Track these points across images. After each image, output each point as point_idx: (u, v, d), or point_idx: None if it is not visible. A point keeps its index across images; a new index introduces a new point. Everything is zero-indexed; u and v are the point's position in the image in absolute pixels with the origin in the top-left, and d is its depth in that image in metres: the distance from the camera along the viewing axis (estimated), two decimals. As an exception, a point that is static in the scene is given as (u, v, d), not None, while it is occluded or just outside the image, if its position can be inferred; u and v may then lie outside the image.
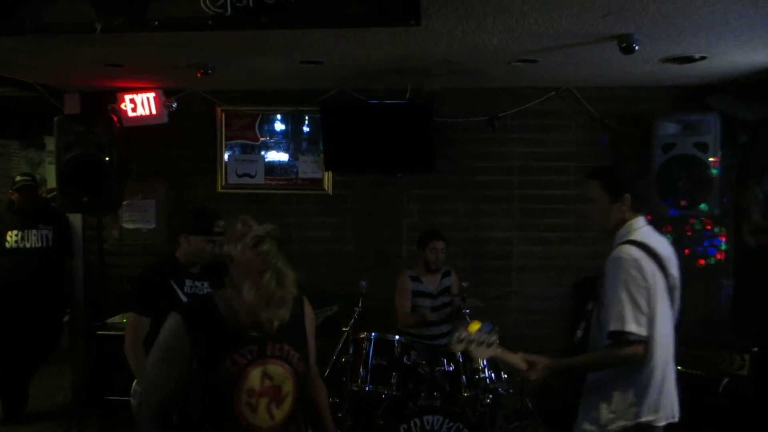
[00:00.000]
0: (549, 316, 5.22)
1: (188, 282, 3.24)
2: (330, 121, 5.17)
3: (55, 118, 4.92)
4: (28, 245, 5.19)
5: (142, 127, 5.23)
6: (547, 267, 5.29)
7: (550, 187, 5.27)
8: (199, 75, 4.42)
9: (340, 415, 4.07)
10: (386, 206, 5.43)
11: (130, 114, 5.22)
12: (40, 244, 5.22)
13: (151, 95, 5.19)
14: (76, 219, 5.59)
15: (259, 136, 5.59)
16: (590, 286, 2.81)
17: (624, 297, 2.49)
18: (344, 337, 4.22)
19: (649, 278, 2.51)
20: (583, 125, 5.23)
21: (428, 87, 5.15)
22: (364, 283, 4.42)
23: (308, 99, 5.34)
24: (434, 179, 5.31)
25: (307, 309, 2.25)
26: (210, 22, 3.23)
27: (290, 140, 5.58)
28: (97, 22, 3.19)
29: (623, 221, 2.68)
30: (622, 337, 2.48)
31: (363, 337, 4.22)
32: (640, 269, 2.51)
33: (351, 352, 4.15)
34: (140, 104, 5.22)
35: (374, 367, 4.13)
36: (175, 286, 3.20)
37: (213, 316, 2.02)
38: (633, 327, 2.47)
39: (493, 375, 4.02)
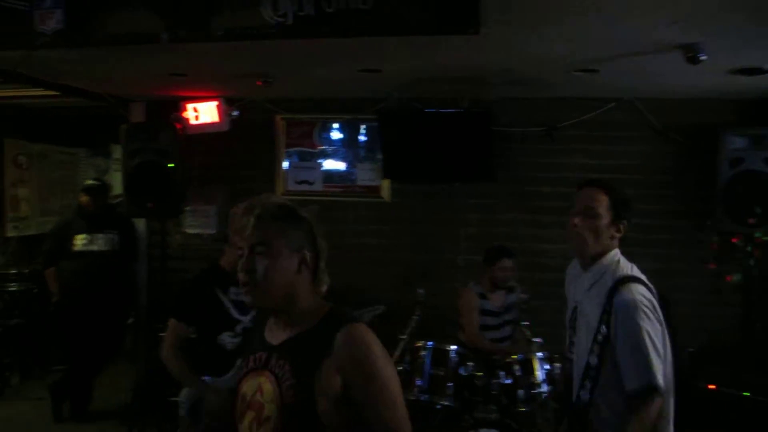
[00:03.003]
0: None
1: (233, 289, 3.26)
2: (388, 129, 5.18)
3: (122, 127, 5.08)
4: (95, 249, 5.35)
5: (205, 134, 5.35)
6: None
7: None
8: (259, 84, 4.50)
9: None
10: (443, 215, 5.39)
11: (193, 122, 5.35)
12: (106, 248, 5.38)
13: (214, 104, 5.30)
14: (140, 224, 5.76)
15: (317, 143, 5.65)
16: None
17: (648, 345, 2.18)
18: (400, 345, 4.19)
19: (661, 320, 2.26)
20: (645, 137, 5.07)
21: (486, 96, 5.10)
22: (421, 291, 4.39)
23: (366, 107, 5.36)
24: (492, 189, 5.24)
25: (345, 348, 1.70)
26: (272, 32, 3.28)
27: (348, 148, 5.62)
28: (162, 33, 3.29)
29: (606, 249, 2.38)
30: (652, 393, 2.17)
31: (419, 346, 4.19)
32: (654, 310, 2.25)
33: (407, 360, 4.12)
34: (203, 112, 5.34)
35: (430, 377, 4.09)
36: (220, 294, 3.23)
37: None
38: (660, 379, 2.18)
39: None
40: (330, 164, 5.63)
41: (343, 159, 5.62)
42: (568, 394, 2.50)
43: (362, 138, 5.56)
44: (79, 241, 5.34)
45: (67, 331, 5.40)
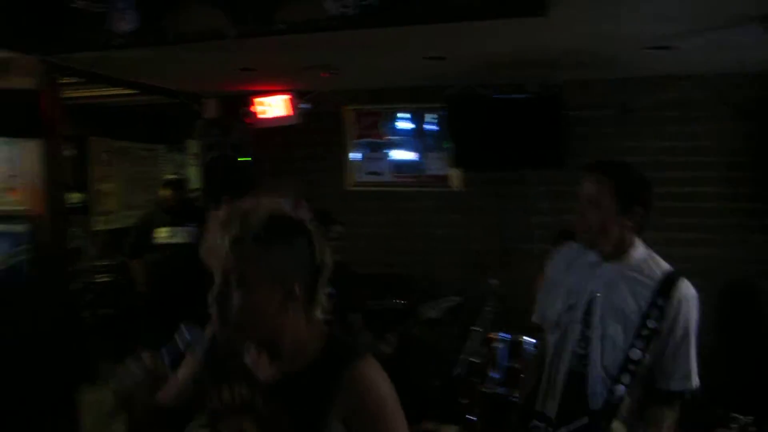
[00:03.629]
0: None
1: None
2: (455, 117, 5.14)
3: (196, 123, 5.25)
4: (176, 241, 5.56)
5: (275, 128, 5.45)
6: (685, 271, 4.91)
7: (686, 183, 4.90)
8: (324, 75, 4.54)
9: (470, 417, 4.01)
10: (514, 203, 5.30)
11: (264, 116, 5.45)
12: (187, 240, 5.57)
13: (284, 97, 5.39)
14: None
15: (385, 134, 5.65)
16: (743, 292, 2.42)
17: (693, 348, 2.12)
18: (474, 336, 4.16)
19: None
20: (722, 116, 4.78)
21: (556, 79, 4.96)
22: (494, 281, 4.32)
23: (433, 95, 5.31)
24: (563, 175, 5.09)
25: (353, 394, 1.40)
26: (335, 23, 3.31)
27: (416, 137, 5.59)
28: (228, 30, 3.37)
29: (624, 242, 2.20)
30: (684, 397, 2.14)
31: (494, 338, 4.13)
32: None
33: (481, 353, 4.08)
34: (273, 106, 5.43)
35: (506, 369, 4.03)
36: None
37: None
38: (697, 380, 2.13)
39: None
40: (398, 154, 5.62)
41: (411, 149, 5.59)
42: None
43: (430, 127, 5.53)
44: (162, 233, 5.55)
45: (152, 320, 5.64)
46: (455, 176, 5.43)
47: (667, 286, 2.14)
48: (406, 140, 5.61)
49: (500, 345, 4.07)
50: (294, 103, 5.38)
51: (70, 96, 5.03)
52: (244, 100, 5.43)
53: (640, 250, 2.23)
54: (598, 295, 2.21)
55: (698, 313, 2.14)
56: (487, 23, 3.38)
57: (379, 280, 5.24)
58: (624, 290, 2.18)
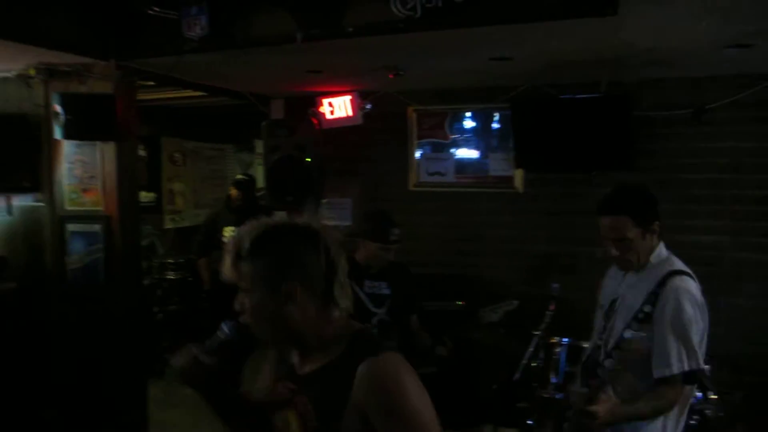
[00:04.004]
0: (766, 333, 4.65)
1: (367, 282, 3.35)
2: (520, 118, 5.06)
3: (263, 123, 5.35)
4: (239, 240, 5.69)
5: (339, 128, 5.50)
6: (764, 277, 4.72)
7: (766, 186, 4.69)
8: (390, 76, 4.55)
9: (530, 422, 3.97)
10: (580, 206, 5.16)
11: (329, 116, 5.50)
12: (250, 239, 5.70)
13: (348, 98, 5.42)
14: (281, 216, 6.03)
15: (449, 134, 5.62)
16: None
17: (692, 333, 2.32)
18: (534, 340, 4.10)
19: (706, 318, 2.39)
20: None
21: (627, 78, 4.84)
22: (556, 285, 4.26)
23: (498, 96, 5.26)
24: (633, 178, 4.95)
25: (365, 387, 1.45)
26: (401, 25, 3.32)
27: (480, 138, 5.56)
28: (297, 34, 3.42)
29: (651, 250, 2.48)
30: (674, 379, 2.31)
31: (554, 342, 4.07)
32: (702, 307, 2.38)
33: (541, 357, 4.03)
34: (338, 107, 5.47)
35: (565, 374, 3.97)
36: (356, 287, 3.32)
37: None
38: (694, 367, 2.32)
39: (699, 394, 3.67)
40: (462, 154, 5.59)
41: (475, 149, 5.56)
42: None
43: (494, 127, 5.47)
44: (228, 233, 5.69)
45: (217, 317, 5.78)
46: (519, 177, 5.36)
47: (665, 278, 2.39)
48: (469, 140, 5.57)
49: (561, 349, 4.01)
50: (356, 104, 5.42)
51: (143, 98, 5.21)
52: (310, 101, 5.49)
53: (657, 255, 2.49)
54: (620, 296, 2.55)
55: (692, 307, 2.33)
56: (556, 23, 3.32)
57: (439, 281, 5.23)
58: (640, 287, 2.46)
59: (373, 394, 1.43)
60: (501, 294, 5.01)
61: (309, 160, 5.13)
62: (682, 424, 2.45)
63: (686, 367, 2.29)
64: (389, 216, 3.54)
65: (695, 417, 3.61)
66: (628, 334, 2.42)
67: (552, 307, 4.18)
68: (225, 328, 1.71)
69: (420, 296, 4.02)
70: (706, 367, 2.36)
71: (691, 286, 2.38)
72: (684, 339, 2.30)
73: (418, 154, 5.70)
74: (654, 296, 2.38)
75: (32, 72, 4.34)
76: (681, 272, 2.41)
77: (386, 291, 3.53)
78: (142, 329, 4.75)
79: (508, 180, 5.41)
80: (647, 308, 2.38)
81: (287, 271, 1.53)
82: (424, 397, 1.47)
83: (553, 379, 3.97)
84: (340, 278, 1.56)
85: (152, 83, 4.78)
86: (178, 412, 4.77)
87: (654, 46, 3.84)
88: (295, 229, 1.58)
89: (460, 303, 5.01)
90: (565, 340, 4.04)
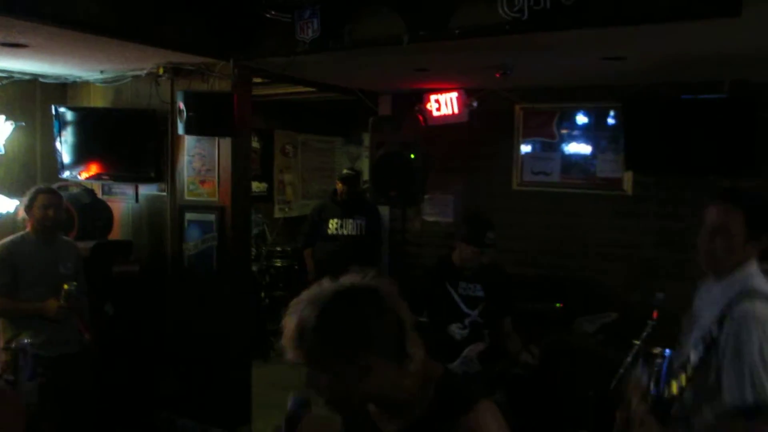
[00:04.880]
0: None
1: (462, 284, 3.39)
2: (633, 118, 4.88)
3: (370, 119, 5.47)
4: (344, 232, 5.86)
5: (445, 125, 5.52)
6: None
7: None
8: (497, 76, 4.52)
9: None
10: (692, 211, 4.95)
11: (435, 113, 5.53)
12: (354, 233, 5.86)
13: (454, 95, 5.43)
14: (384, 211, 6.16)
15: (556, 133, 5.50)
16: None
17: (758, 362, 2.07)
18: (634, 350, 3.98)
19: None
20: None
21: (750, 79, 4.55)
22: (660, 295, 4.10)
23: (609, 94, 5.10)
24: (754, 185, 4.68)
25: None
26: (507, 27, 3.30)
27: (589, 138, 5.38)
28: (403, 35, 3.48)
29: (740, 264, 2.21)
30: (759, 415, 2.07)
31: (656, 353, 3.93)
32: None
33: (641, 367, 3.90)
34: (444, 104, 5.49)
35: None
36: (450, 288, 3.36)
37: None
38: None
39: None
40: (569, 154, 5.46)
41: (582, 149, 5.40)
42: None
43: (604, 128, 5.30)
44: (332, 225, 5.88)
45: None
46: (628, 180, 5.18)
47: (736, 300, 2.15)
48: (578, 141, 5.42)
49: (662, 361, 3.86)
50: (462, 101, 5.42)
51: (257, 93, 5.47)
52: (417, 98, 5.55)
53: (744, 270, 2.23)
54: (697, 307, 2.39)
55: (763, 332, 2.07)
56: (670, 24, 3.19)
57: (537, 282, 5.16)
58: (714, 302, 2.26)
59: None
60: (602, 297, 4.89)
61: (413, 156, 5.19)
62: None
63: (759, 399, 2.08)
64: (485, 219, 3.54)
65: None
66: (693, 357, 2.28)
67: (655, 316, 4.04)
68: (291, 403, 1.65)
69: (516, 298, 4.00)
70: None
71: (761, 307, 2.12)
72: (752, 368, 2.09)
73: (522, 152, 5.62)
74: (722, 318, 2.18)
75: (161, 71, 4.67)
76: (755, 294, 2.15)
77: (480, 293, 3.55)
78: (249, 313, 5.02)
79: (616, 182, 5.23)
80: (714, 330, 2.19)
81: (360, 344, 1.44)
82: None
83: (653, 391, 3.84)
84: (409, 333, 1.49)
85: (267, 80, 5.00)
86: (281, 394, 4.98)
87: (781, 46, 3.60)
88: (356, 297, 1.50)
89: (559, 305, 4.93)
90: (668, 351, 3.89)
